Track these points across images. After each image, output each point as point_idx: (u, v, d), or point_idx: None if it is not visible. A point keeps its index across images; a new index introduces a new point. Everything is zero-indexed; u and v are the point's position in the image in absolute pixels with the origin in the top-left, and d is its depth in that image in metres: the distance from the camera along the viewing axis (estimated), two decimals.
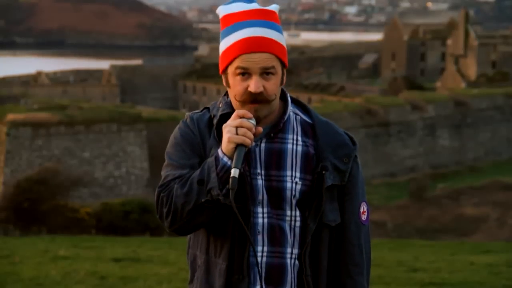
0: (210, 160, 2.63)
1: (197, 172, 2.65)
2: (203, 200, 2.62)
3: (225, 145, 2.61)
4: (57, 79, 78.19)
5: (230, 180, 2.57)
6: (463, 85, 69.05)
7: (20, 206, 21.75)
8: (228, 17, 2.71)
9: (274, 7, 2.74)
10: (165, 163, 2.76)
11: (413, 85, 70.20)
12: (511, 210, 35.04)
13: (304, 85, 65.62)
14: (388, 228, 27.74)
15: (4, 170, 42.27)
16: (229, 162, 2.60)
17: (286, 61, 2.73)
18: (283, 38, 2.73)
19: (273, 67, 2.66)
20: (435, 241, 21.86)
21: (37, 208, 21.63)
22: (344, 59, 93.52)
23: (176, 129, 2.80)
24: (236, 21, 2.69)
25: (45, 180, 23.05)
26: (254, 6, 2.71)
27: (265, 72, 2.66)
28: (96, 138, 44.79)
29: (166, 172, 2.73)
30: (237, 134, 2.59)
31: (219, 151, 2.62)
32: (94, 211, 22.49)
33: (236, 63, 2.66)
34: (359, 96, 59.05)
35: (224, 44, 2.71)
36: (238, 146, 2.59)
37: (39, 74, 77.16)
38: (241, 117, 2.61)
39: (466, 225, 33.14)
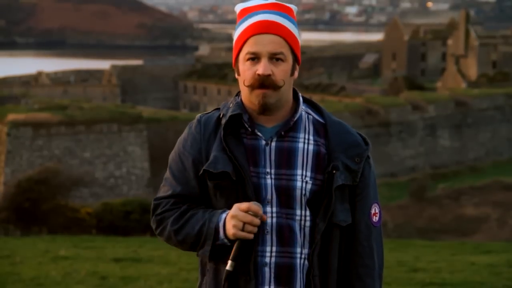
0: (210, 230, 2.65)
1: (195, 229, 2.67)
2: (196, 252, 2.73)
3: (229, 234, 2.63)
4: (58, 79, 78.14)
5: (225, 272, 2.63)
6: (463, 85, 69.01)
7: (20, 206, 21.73)
8: (244, 10, 2.74)
9: (292, 6, 2.77)
10: (166, 172, 2.79)
11: (413, 85, 70.16)
12: None
13: (304, 85, 65.50)
14: (388, 228, 27.70)
15: (4, 170, 42.28)
16: (227, 243, 2.64)
17: (298, 53, 2.72)
18: (297, 32, 2.73)
19: (281, 53, 2.66)
20: (436, 241, 21.83)
21: (38, 208, 21.62)
22: (344, 59, 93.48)
23: (183, 134, 2.80)
24: (251, 12, 2.71)
25: (46, 180, 23.02)
26: (271, 1, 2.74)
27: (274, 58, 2.66)
28: (97, 138, 44.78)
29: (162, 184, 2.78)
30: (243, 230, 2.61)
31: (221, 231, 2.64)
32: (94, 211, 22.47)
33: (246, 48, 2.67)
34: (360, 96, 59.05)
35: (237, 33, 2.74)
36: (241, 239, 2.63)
37: (39, 74, 77.11)
38: (252, 210, 2.61)
39: (467, 225, 33.11)
